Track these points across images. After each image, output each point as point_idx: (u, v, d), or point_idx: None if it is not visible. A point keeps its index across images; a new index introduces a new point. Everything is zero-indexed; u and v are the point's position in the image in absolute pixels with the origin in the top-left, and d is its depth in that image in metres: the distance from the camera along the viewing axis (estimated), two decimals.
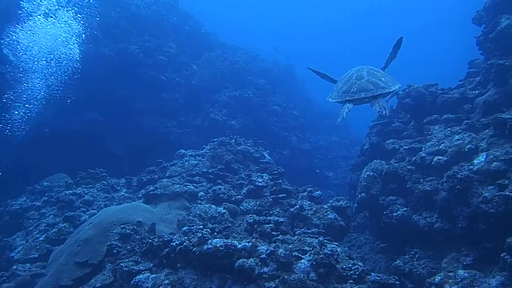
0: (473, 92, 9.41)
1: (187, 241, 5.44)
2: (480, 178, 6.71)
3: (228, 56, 20.59)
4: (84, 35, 12.17)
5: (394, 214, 8.24)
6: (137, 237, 6.36)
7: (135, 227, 6.57)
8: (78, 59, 11.72)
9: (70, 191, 9.25)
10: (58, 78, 11.27)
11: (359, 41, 69.06)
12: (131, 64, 14.84)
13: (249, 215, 7.44)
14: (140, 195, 9.08)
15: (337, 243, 6.25)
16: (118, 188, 9.93)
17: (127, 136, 13.81)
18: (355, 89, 5.20)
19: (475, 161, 7.13)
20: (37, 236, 7.81)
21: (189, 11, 22.15)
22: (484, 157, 6.98)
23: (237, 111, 17.92)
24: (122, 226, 6.49)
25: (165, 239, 5.90)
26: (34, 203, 9.17)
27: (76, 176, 10.18)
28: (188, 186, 8.93)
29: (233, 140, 11.91)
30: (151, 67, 15.63)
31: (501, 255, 5.29)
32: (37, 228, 8.17)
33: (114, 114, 13.91)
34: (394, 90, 5.31)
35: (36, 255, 7.27)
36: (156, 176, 10.07)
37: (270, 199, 8.68)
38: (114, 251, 5.96)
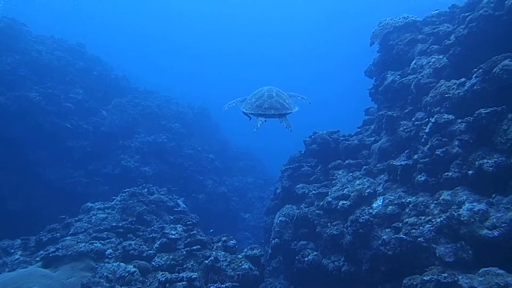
0: (370, 139, 10.33)
1: None
2: (379, 222, 7.27)
3: (140, 101, 20.25)
4: None
5: (305, 259, 8.52)
6: None
7: None
8: None
9: None
10: None
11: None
12: (31, 112, 13.85)
13: (161, 273, 7.20)
14: (38, 258, 8.24)
15: None
16: (12, 251, 8.88)
17: (26, 189, 12.65)
18: (266, 105, 6.30)
19: (374, 205, 7.74)
20: None
21: (98, 56, 21.55)
22: (381, 201, 7.61)
23: (151, 156, 17.51)
24: None
25: None
26: None
27: None
28: (95, 244, 8.35)
29: (146, 190, 11.53)
30: (55, 114, 14.75)
31: None
32: None
33: (10, 166, 12.69)
34: (295, 111, 6.59)
35: None
36: (58, 234, 9.24)
37: (184, 252, 8.46)
38: None
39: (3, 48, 14.86)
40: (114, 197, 11.24)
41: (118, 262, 8.01)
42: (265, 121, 6.42)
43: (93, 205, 10.81)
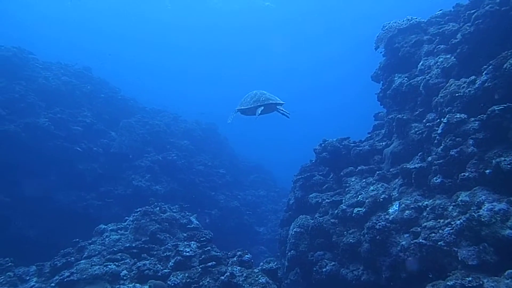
0: (381, 143, 10.15)
1: None
2: (396, 227, 7.07)
3: (148, 120, 20.38)
4: None
5: (323, 269, 8.31)
6: None
7: None
8: None
9: None
10: None
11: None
12: (41, 138, 13.98)
13: None
14: (53, 284, 8.17)
15: None
16: (28, 278, 8.80)
17: (39, 215, 12.66)
18: (263, 98, 7.60)
19: (390, 210, 7.54)
20: None
21: (104, 78, 21.83)
22: (397, 206, 7.41)
23: (162, 175, 17.52)
24: None
25: None
26: None
27: None
28: (109, 266, 8.27)
29: (158, 208, 11.46)
30: (65, 138, 14.85)
31: None
32: None
33: (22, 193, 12.73)
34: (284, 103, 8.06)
35: None
36: (72, 258, 9.17)
37: (199, 269, 8.33)
38: None
39: (12, 77, 15.11)
40: (126, 218, 11.18)
41: (133, 283, 7.92)
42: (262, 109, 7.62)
43: (106, 226, 10.75)
